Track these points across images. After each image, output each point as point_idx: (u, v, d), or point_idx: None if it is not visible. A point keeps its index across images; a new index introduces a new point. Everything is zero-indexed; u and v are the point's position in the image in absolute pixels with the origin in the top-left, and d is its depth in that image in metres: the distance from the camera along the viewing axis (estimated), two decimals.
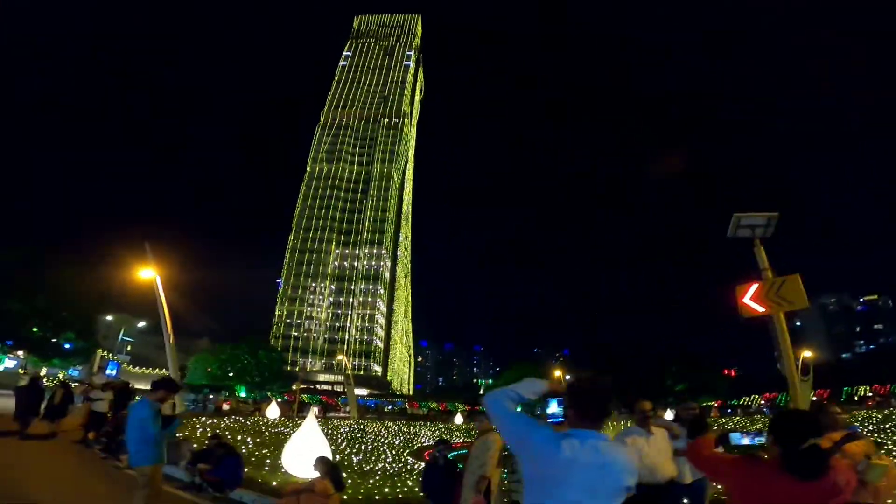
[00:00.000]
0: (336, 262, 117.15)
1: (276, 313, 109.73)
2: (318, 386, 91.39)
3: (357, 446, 29.88)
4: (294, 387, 62.44)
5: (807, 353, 42.33)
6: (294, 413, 38.40)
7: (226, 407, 42.17)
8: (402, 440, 33.10)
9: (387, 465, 19.55)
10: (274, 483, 9.23)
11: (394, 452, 27.25)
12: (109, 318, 55.48)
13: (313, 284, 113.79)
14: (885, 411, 31.51)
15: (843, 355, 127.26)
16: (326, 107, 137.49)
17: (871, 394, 49.98)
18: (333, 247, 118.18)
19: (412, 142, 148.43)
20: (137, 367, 61.84)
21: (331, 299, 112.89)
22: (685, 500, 5.14)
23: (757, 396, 60.59)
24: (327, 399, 64.81)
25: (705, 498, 5.44)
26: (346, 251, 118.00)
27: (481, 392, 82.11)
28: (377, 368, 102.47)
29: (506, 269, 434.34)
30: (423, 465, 22.79)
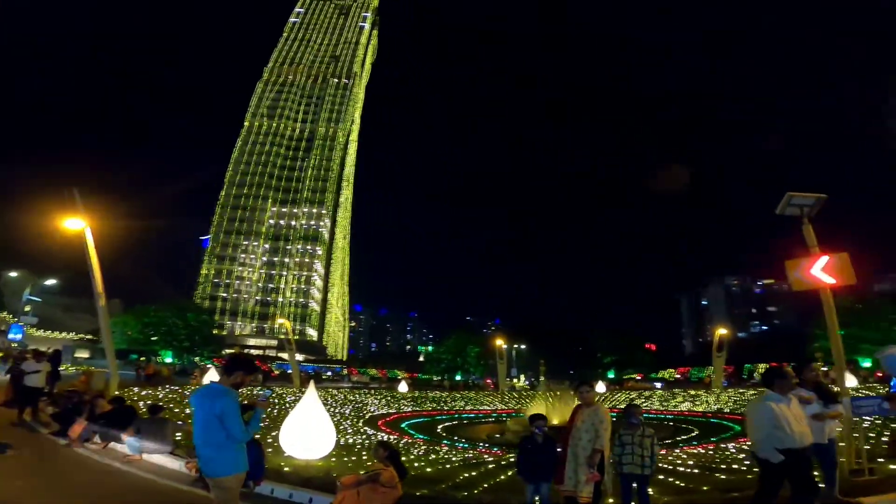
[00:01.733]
0: (272, 221, 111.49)
1: (203, 272, 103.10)
2: (248, 351, 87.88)
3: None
4: (227, 352, 59.45)
5: (722, 331, 46.51)
6: None
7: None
8: (351, 410, 32.61)
9: (349, 438, 18.98)
10: (298, 471, 7.83)
11: (349, 423, 26.73)
12: (13, 274, 48.81)
13: (245, 243, 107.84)
14: None
15: (741, 334, 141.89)
16: (272, 63, 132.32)
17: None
18: (270, 204, 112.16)
19: (360, 104, 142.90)
20: (42, 331, 55.38)
21: (264, 259, 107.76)
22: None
23: (673, 370, 66.16)
24: (261, 365, 62.42)
25: (836, 460, 6.06)
26: (284, 209, 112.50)
27: (421, 359, 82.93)
28: (312, 333, 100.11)
29: (442, 238, 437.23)
30: (382, 435, 22.48)
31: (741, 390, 37.00)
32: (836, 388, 7.71)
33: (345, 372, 66.79)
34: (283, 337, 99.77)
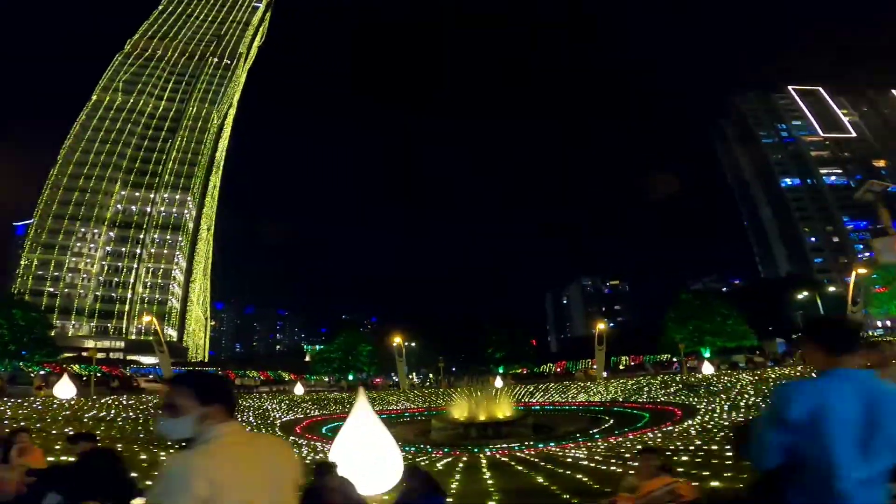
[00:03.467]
0: (119, 206, 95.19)
1: (22, 262, 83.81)
2: (84, 353, 73.66)
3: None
4: (67, 356, 48.66)
5: (601, 326, 51.62)
6: (92, 392, 29.94)
7: None
8: (253, 416, 29.18)
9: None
10: None
11: (264, 433, 23.86)
12: None
13: (83, 230, 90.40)
14: (660, 376, 40.76)
15: (593, 330, 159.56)
16: (138, 35, 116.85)
17: (632, 363, 63.77)
18: (118, 187, 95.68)
19: (240, 87, 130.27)
20: None
21: (108, 249, 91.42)
22: None
23: (552, 364, 71.90)
24: (114, 370, 52.82)
25: None
26: (137, 194, 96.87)
27: (307, 359, 77.67)
28: (172, 333, 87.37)
29: (314, 233, 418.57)
30: (303, 442, 20.37)
31: (622, 380, 41.57)
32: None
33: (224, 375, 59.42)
34: (134, 339, 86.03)
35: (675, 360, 54.28)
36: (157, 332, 40.38)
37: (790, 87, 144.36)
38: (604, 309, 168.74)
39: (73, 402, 24.88)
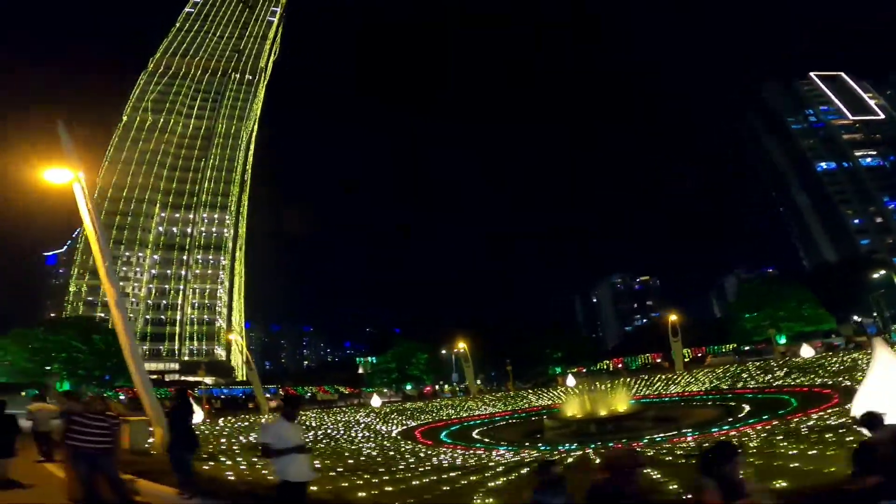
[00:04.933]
0: (161, 228, 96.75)
1: (71, 289, 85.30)
2: (152, 377, 74.54)
3: (354, 436, 25.30)
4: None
5: (673, 317, 50.44)
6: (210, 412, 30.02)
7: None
8: (363, 430, 28.88)
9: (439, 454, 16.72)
10: None
11: (392, 440, 24.05)
12: None
13: (127, 254, 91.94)
14: (750, 363, 39.74)
15: (627, 328, 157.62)
16: (160, 53, 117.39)
17: (697, 355, 62.64)
18: (158, 209, 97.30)
19: (261, 102, 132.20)
20: None
21: (153, 272, 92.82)
22: None
23: (608, 361, 71.02)
24: (187, 392, 53.12)
25: None
26: (178, 215, 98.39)
27: (360, 371, 77.66)
28: (221, 352, 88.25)
29: (331, 248, 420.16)
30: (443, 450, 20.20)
31: (706, 369, 40.60)
32: None
33: (281, 392, 59.61)
34: (187, 359, 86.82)
35: (745, 348, 53.12)
36: (249, 358, 40.10)
37: (812, 74, 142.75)
38: (635, 305, 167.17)
39: (202, 425, 24.87)
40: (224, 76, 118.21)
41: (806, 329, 48.03)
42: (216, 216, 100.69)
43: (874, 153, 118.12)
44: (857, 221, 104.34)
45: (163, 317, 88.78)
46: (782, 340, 49.52)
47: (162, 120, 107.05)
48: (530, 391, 47.57)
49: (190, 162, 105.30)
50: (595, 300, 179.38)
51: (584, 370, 66.46)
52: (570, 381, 51.70)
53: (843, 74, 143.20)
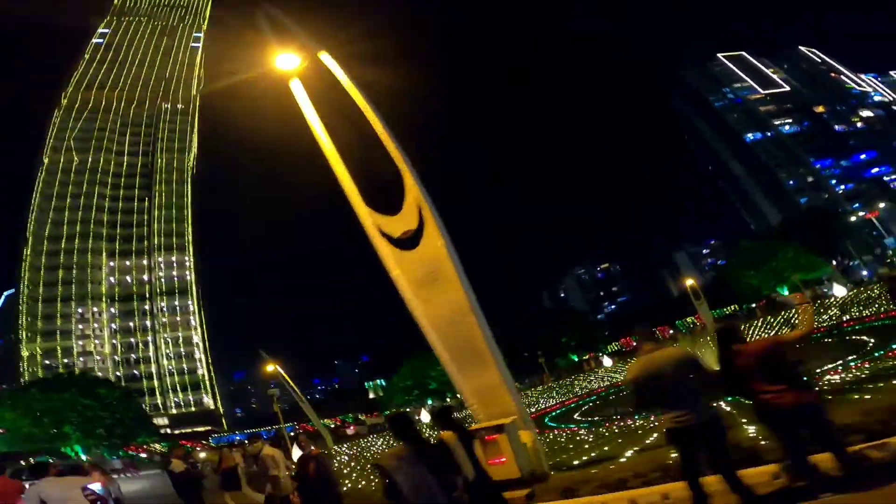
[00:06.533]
0: (113, 278, 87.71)
1: (24, 354, 74.90)
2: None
3: None
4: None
5: (690, 282, 51.53)
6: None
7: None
8: None
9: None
10: None
11: None
12: None
13: (79, 310, 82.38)
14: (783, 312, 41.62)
15: (598, 317, 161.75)
16: (72, 87, 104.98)
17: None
18: (105, 258, 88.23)
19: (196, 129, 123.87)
20: None
21: (113, 326, 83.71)
22: None
23: (615, 343, 72.06)
24: (197, 444, 47.85)
25: None
26: (128, 262, 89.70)
27: (371, 396, 73.69)
28: (209, 401, 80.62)
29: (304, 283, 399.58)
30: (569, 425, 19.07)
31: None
32: None
33: (299, 430, 55.07)
34: (175, 413, 78.31)
35: (752, 305, 55.60)
36: (300, 396, 36.41)
37: (719, 55, 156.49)
38: (602, 293, 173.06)
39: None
40: (152, 106, 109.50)
41: (810, 276, 51.26)
42: (174, 259, 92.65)
43: (790, 121, 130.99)
44: (791, 182, 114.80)
45: (135, 371, 79.94)
46: (785, 292, 52.58)
47: (90, 159, 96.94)
48: (573, 378, 47.28)
49: (132, 203, 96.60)
50: (563, 295, 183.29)
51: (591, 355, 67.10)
52: (607, 360, 52.20)
53: (744, 53, 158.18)
